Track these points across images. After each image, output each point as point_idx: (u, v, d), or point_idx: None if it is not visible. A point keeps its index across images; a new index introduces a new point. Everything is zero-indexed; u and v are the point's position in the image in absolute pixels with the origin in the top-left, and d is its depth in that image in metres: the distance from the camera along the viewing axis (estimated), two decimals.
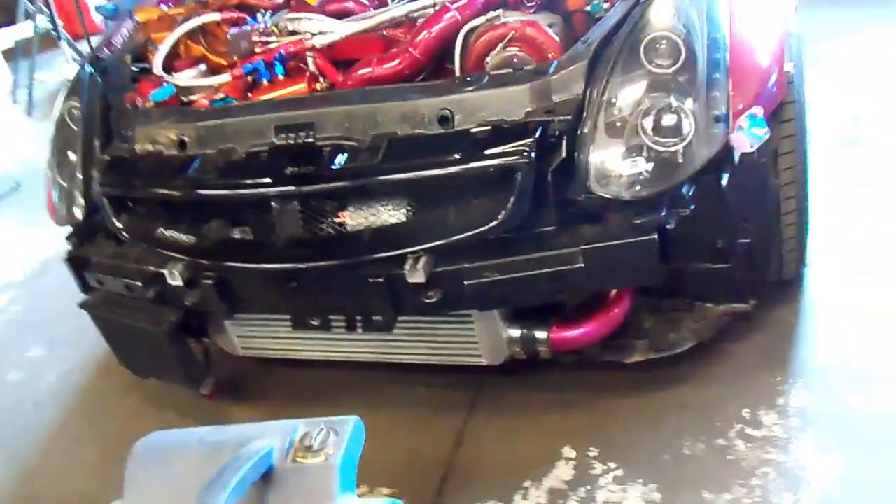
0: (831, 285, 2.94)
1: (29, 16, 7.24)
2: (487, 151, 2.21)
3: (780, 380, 2.60)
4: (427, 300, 2.31)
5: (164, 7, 3.28)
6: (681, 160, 2.19)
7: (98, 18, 7.82)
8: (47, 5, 6.98)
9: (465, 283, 2.28)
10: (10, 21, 7.55)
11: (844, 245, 3.11)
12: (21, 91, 7.25)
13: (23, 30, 7.35)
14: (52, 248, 4.39)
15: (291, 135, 2.44)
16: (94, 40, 3.26)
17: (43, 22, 7.09)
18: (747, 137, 2.24)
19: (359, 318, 2.51)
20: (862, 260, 3.04)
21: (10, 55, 7.48)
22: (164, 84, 2.85)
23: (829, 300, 2.89)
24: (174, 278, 2.54)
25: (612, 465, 2.43)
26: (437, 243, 2.27)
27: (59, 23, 7.06)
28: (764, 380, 2.61)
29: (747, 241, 2.45)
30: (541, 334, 2.48)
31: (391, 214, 2.35)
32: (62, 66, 7.21)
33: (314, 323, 2.54)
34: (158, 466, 1.53)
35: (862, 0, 5.49)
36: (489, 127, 2.27)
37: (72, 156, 2.89)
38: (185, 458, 1.51)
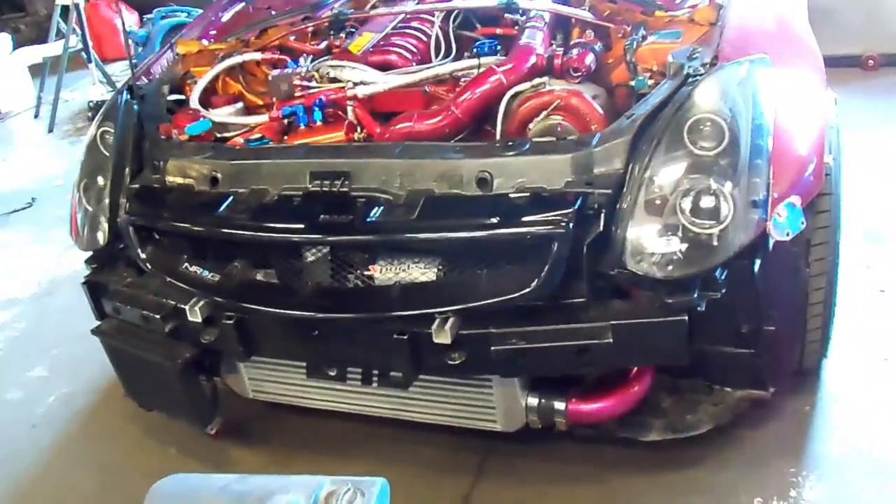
0: (849, 378, 2.92)
1: (61, 35, 7.30)
2: (525, 218, 2.20)
3: (793, 471, 2.57)
4: (450, 361, 2.29)
5: (205, 42, 3.30)
6: (716, 243, 2.17)
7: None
8: (81, 26, 7.04)
9: (492, 348, 2.26)
10: (43, 39, 7.62)
11: (864, 339, 3.08)
12: (44, 108, 7.29)
13: (53, 48, 7.41)
14: (63, 267, 4.39)
15: (327, 182, 2.43)
16: (125, 67, 3.26)
17: (74, 42, 7.15)
18: (784, 226, 2.23)
19: (376, 372, 2.48)
20: (880, 355, 3.01)
21: (37, 71, 7.55)
22: (201, 118, 2.85)
23: (847, 393, 2.86)
24: (194, 315, 2.52)
25: None
26: (467, 305, 2.26)
27: (90, 44, 7.11)
28: (778, 469, 2.58)
29: (772, 328, 2.42)
30: (559, 405, 2.45)
31: (422, 272, 2.34)
32: (88, 87, 7.26)
33: (331, 373, 2.52)
34: None
35: None
36: (528, 193, 2.27)
37: (100, 180, 2.87)
38: None
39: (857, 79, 5.75)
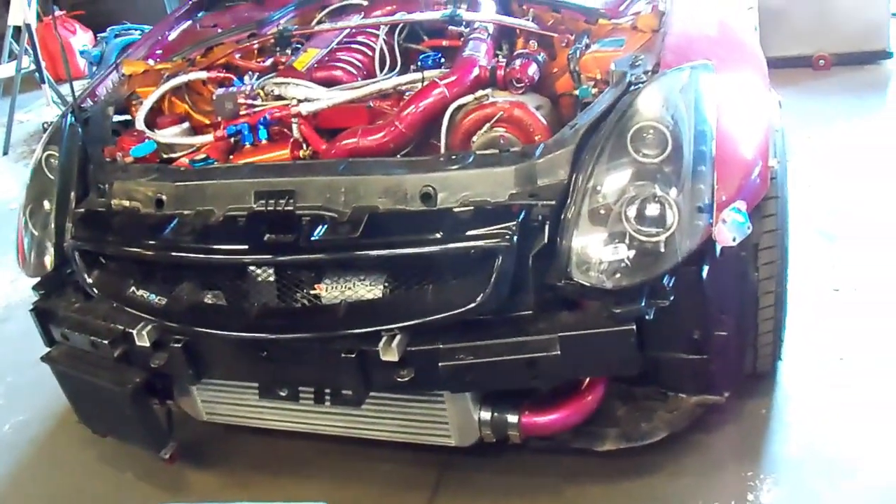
0: (805, 379, 2.93)
1: (13, 56, 7.22)
2: (469, 232, 2.19)
3: (751, 474, 2.56)
4: (399, 379, 2.27)
5: (150, 61, 3.27)
6: (663, 250, 2.17)
7: (82, 63, 7.87)
8: (33, 47, 6.97)
9: (440, 364, 2.24)
10: None
11: (819, 339, 3.10)
12: None
13: (5, 69, 7.32)
14: (17, 292, 4.33)
15: (271, 201, 2.41)
16: (77, 87, 3.21)
17: (27, 63, 7.07)
18: (730, 231, 2.22)
19: (328, 391, 2.46)
20: (836, 354, 3.03)
21: None
22: (146, 140, 2.82)
23: (802, 395, 2.87)
24: (142, 339, 2.48)
25: None
26: (413, 322, 2.24)
27: (43, 64, 7.04)
28: (735, 474, 2.58)
29: (724, 333, 2.42)
30: (512, 418, 2.44)
31: (368, 290, 2.33)
32: (42, 108, 7.19)
33: (282, 393, 2.49)
34: None
35: (856, 89, 5.61)
36: (472, 207, 2.26)
37: (46, 205, 2.84)
38: None
39: (809, 79, 5.80)
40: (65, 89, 7.40)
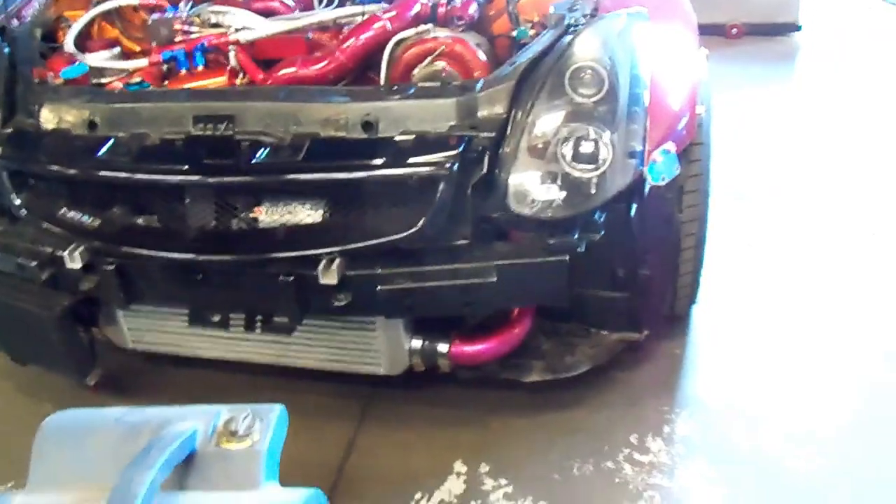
0: (716, 324, 3.08)
1: None
2: (410, 160, 2.22)
3: (667, 409, 2.69)
4: (336, 303, 2.29)
5: None
6: (594, 189, 2.24)
7: None
8: None
9: (378, 288, 2.27)
10: None
11: (730, 289, 3.25)
12: None
13: None
14: None
15: (210, 125, 2.38)
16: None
17: None
18: (660, 171, 2.33)
19: (259, 318, 2.48)
20: (745, 304, 3.19)
21: None
22: (77, 62, 2.76)
23: (714, 338, 3.02)
24: (74, 260, 2.43)
25: (503, 481, 2.46)
26: (353, 246, 2.26)
27: None
28: (652, 408, 2.70)
29: (647, 272, 2.51)
30: (442, 347, 2.50)
31: (307, 214, 2.34)
32: None
33: (214, 319, 2.50)
34: (70, 447, 1.46)
35: (767, 59, 5.79)
36: (412, 136, 2.28)
37: None
38: (100, 438, 1.44)
39: (721, 46, 5.97)
40: None
